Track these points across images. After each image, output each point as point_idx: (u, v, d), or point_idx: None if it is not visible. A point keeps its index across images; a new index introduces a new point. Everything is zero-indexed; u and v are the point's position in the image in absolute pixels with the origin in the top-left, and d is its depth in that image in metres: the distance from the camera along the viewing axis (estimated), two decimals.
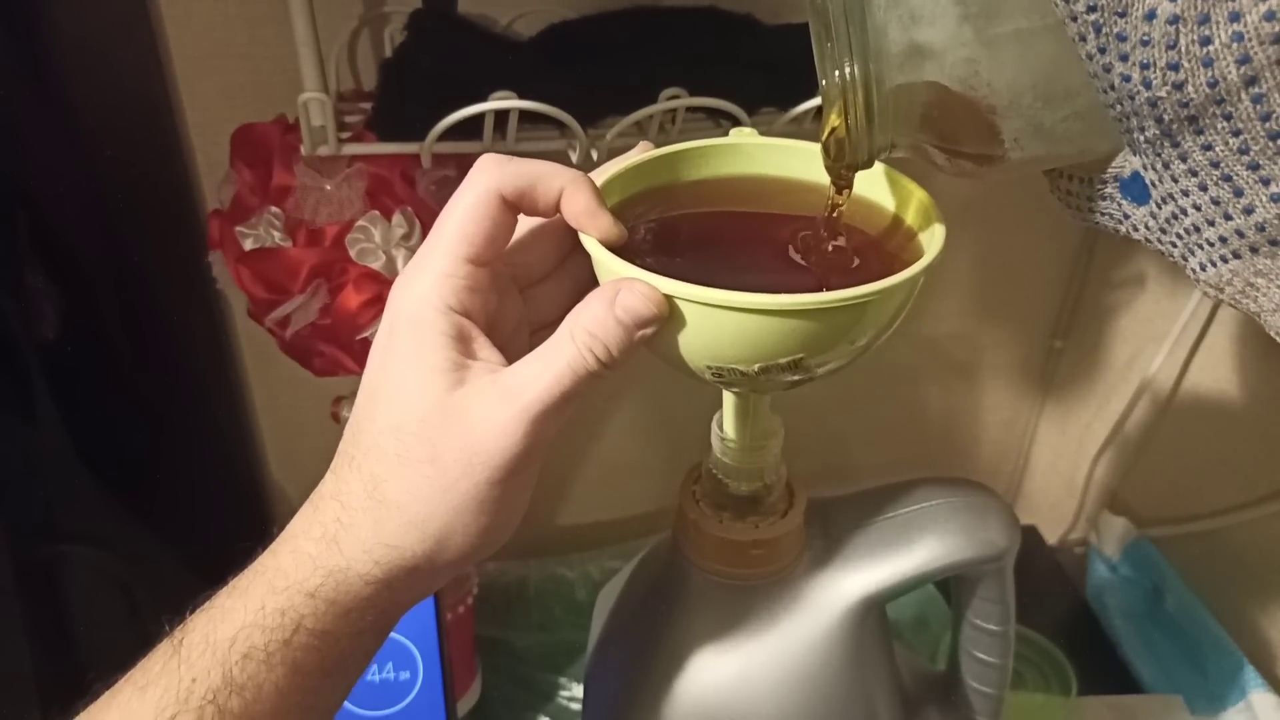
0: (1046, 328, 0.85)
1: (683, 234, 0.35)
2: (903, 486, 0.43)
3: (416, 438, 0.30)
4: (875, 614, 0.41)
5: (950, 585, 0.45)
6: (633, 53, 0.55)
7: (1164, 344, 0.74)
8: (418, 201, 0.55)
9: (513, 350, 0.31)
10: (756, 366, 0.30)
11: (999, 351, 0.86)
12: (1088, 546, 0.83)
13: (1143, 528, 0.79)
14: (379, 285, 0.54)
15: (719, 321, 0.29)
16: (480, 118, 0.49)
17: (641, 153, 0.36)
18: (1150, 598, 0.76)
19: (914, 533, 0.41)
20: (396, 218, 0.54)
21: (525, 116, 0.49)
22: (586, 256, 0.32)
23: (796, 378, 0.31)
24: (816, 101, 0.54)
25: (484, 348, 0.31)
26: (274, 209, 0.54)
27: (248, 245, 0.54)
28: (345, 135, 0.52)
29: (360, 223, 0.54)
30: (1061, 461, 0.90)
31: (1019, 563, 0.42)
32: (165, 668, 0.29)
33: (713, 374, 0.31)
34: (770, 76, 0.54)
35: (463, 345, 0.30)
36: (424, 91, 0.51)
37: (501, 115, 0.49)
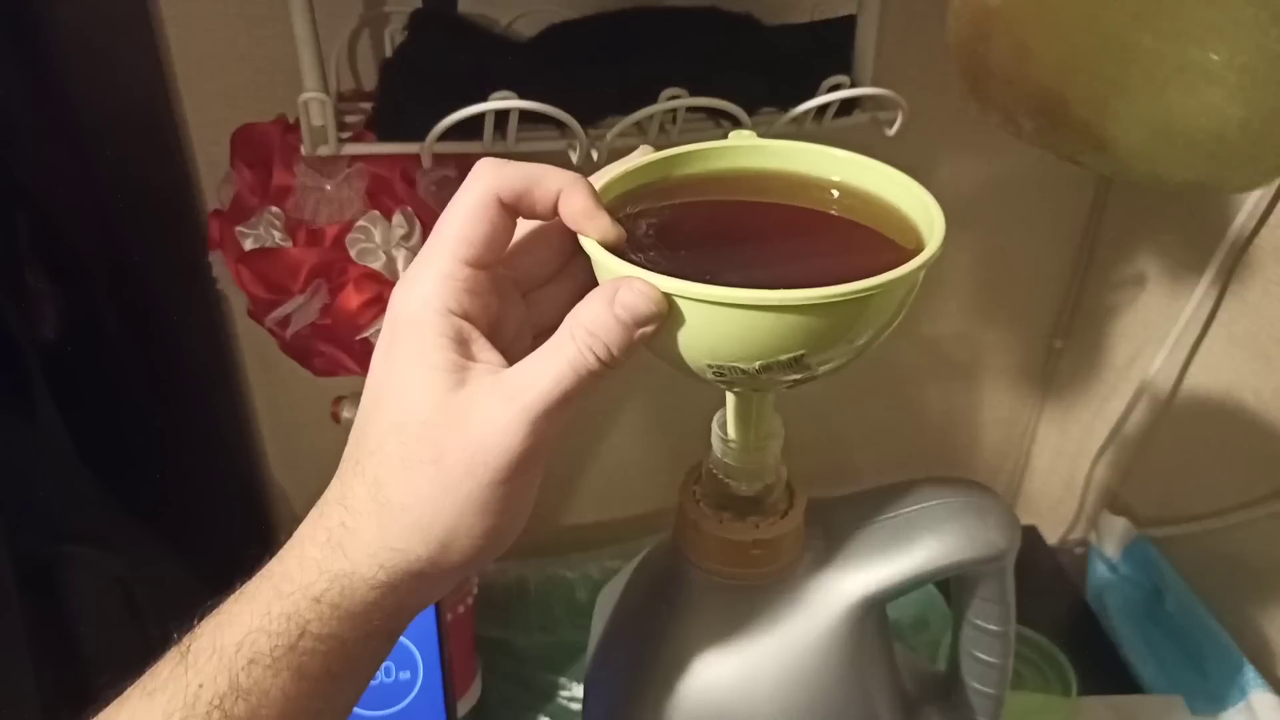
0: (1046, 328, 0.85)
1: (683, 230, 0.35)
2: (903, 486, 0.43)
3: (419, 440, 0.30)
4: (875, 614, 0.41)
5: (950, 585, 0.45)
6: (633, 53, 0.55)
7: (1164, 344, 0.74)
8: (418, 201, 0.55)
9: (515, 354, 0.31)
10: (758, 364, 0.30)
11: (999, 351, 0.86)
12: (1088, 546, 0.84)
13: (1143, 528, 0.79)
14: (379, 285, 0.54)
15: (720, 318, 0.29)
16: (480, 118, 0.49)
17: (641, 156, 0.36)
18: (1150, 598, 0.76)
19: (914, 533, 0.41)
20: (396, 218, 0.54)
21: (525, 117, 0.49)
22: (588, 259, 0.32)
23: (798, 376, 0.31)
24: (817, 101, 0.54)
25: (484, 349, 0.31)
26: (274, 209, 0.54)
27: (248, 245, 0.54)
28: (345, 135, 0.52)
29: (360, 223, 0.54)
30: (1061, 461, 0.90)
31: (1019, 563, 0.42)
32: (173, 674, 0.29)
33: (714, 373, 0.31)
34: (770, 76, 0.54)
35: (462, 347, 0.30)
36: (424, 91, 0.51)
37: (501, 115, 0.49)
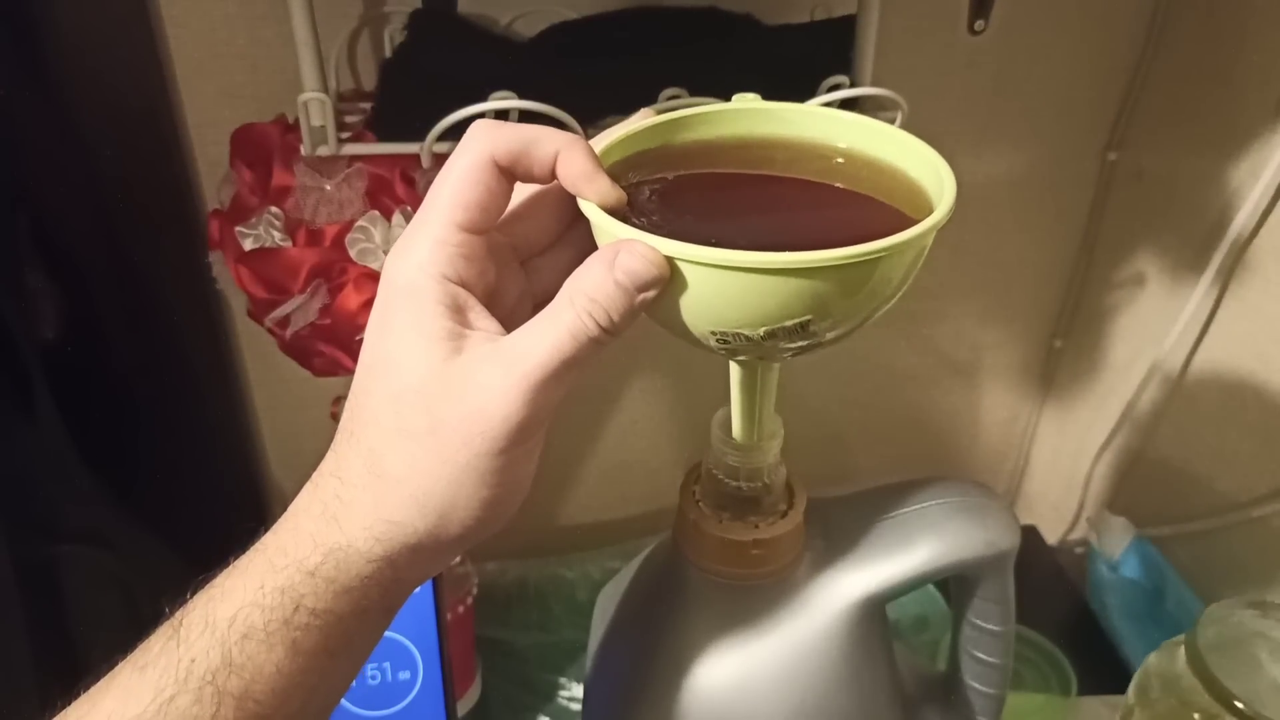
0: (1046, 328, 0.85)
1: (686, 194, 0.34)
2: (903, 486, 0.43)
3: (414, 409, 0.29)
4: (875, 614, 0.41)
5: (950, 585, 0.45)
6: (633, 53, 0.55)
7: (1164, 344, 0.74)
8: (418, 201, 0.55)
9: (514, 323, 0.30)
10: (763, 330, 0.29)
11: (999, 351, 0.86)
12: (1088, 546, 0.83)
13: (1143, 528, 0.79)
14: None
15: (723, 282, 0.28)
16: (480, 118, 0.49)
17: (643, 119, 0.35)
18: (1150, 598, 0.76)
19: (914, 533, 0.41)
20: (396, 218, 0.54)
21: (525, 116, 0.50)
22: (588, 225, 0.31)
23: (804, 343, 0.30)
24: (816, 101, 0.54)
25: (481, 317, 0.30)
26: (274, 209, 0.54)
27: (248, 245, 0.54)
28: (345, 135, 0.52)
29: (360, 223, 0.54)
30: (1061, 461, 0.90)
31: (1019, 563, 0.42)
32: (164, 648, 0.29)
33: (718, 340, 0.30)
34: (770, 76, 0.54)
35: (459, 315, 0.30)
36: (424, 91, 0.51)
37: (501, 115, 0.49)
